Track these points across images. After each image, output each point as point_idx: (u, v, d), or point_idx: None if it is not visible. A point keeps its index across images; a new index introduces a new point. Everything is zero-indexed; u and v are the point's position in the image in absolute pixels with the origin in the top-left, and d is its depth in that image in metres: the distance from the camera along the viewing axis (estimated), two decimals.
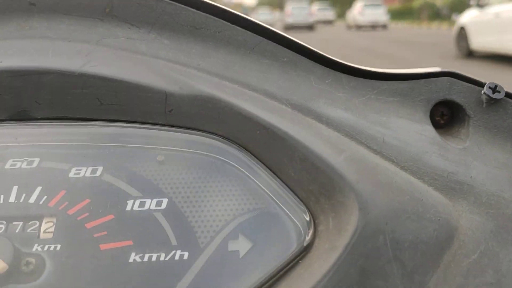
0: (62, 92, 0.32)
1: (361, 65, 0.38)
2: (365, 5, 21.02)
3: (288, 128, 0.33)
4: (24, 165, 0.32)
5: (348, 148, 0.33)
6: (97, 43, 0.34)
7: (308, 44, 0.37)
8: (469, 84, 0.37)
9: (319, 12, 26.69)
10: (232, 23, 0.36)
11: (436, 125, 0.37)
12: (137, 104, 0.33)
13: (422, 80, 0.37)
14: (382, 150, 0.35)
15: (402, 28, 20.85)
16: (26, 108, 0.33)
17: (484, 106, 0.37)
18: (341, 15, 40.24)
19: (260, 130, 0.33)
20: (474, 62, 6.88)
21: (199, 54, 0.35)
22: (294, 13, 20.29)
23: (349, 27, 22.19)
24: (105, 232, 0.30)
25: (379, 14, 20.46)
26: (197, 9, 0.35)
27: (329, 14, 27.94)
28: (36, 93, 0.33)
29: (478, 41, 7.06)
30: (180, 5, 0.35)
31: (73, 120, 0.34)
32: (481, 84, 0.37)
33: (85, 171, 0.32)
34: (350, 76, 0.36)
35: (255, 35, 0.36)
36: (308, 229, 0.32)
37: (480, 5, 7.25)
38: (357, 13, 20.88)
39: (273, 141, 0.33)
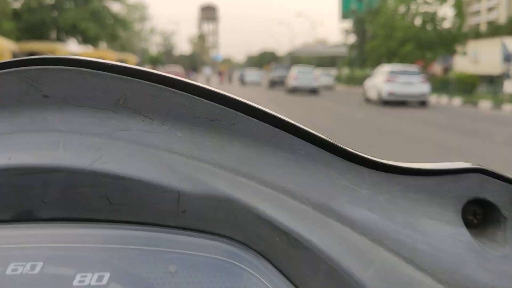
0: (70, 191, 0.33)
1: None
2: (392, 72, 15.86)
3: (310, 234, 0.32)
4: (26, 270, 0.31)
5: (377, 258, 0.32)
6: (109, 136, 0.35)
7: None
8: (502, 182, 0.36)
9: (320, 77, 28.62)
10: (248, 114, 0.36)
11: (469, 226, 0.36)
12: (148, 204, 0.33)
13: (450, 176, 0.36)
14: (414, 259, 0.33)
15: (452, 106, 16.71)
16: (32, 208, 0.33)
17: None
18: (339, 79, 39.44)
19: (279, 237, 0.32)
20: None
21: (214, 147, 0.35)
22: (299, 77, 21.93)
23: (367, 100, 17.26)
24: None
25: (416, 86, 15.33)
26: (211, 100, 0.36)
27: (329, 79, 31.05)
28: (43, 192, 0.33)
29: None
30: (194, 96, 0.36)
31: (80, 221, 0.34)
32: None
33: (91, 278, 0.32)
34: (372, 170, 0.36)
35: (271, 126, 0.36)
36: None
37: None
38: (383, 81, 15.66)
39: (294, 250, 0.32)
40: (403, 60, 23.73)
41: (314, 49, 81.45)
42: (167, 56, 69.61)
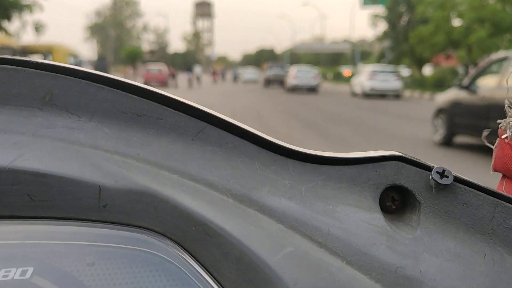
0: None
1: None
2: (374, 71, 20.13)
3: (225, 223, 0.35)
4: None
5: (290, 243, 0.35)
6: (34, 134, 0.36)
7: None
8: (417, 168, 0.39)
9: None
10: (175, 109, 0.38)
11: (388, 211, 0.39)
12: (70, 199, 0.35)
13: (370, 165, 0.39)
14: (327, 243, 0.36)
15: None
16: None
17: (433, 191, 0.39)
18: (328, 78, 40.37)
19: (196, 226, 0.35)
20: None
21: (140, 142, 0.37)
22: (299, 75, 23.71)
23: (354, 94, 21.61)
24: None
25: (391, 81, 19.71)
26: (138, 96, 0.38)
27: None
28: None
29: None
30: (121, 92, 0.38)
31: (2, 218, 0.35)
32: (429, 168, 0.39)
33: (14, 273, 0.34)
34: (297, 161, 0.39)
35: (198, 120, 0.38)
36: None
37: None
38: (366, 79, 19.88)
39: (209, 238, 0.35)
40: (472, 51, 19.26)
41: (313, 46, 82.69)
42: (160, 54, 67.72)
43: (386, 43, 31.90)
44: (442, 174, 0.38)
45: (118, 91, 0.38)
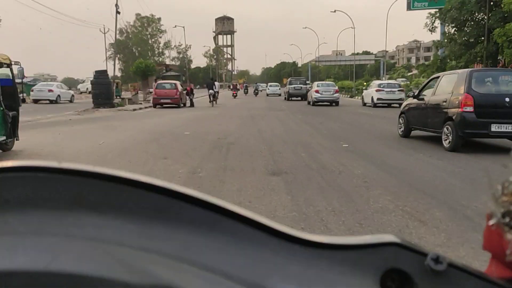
0: None
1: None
2: (380, 85, 25.53)
3: None
4: None
5: None
6: (65, 234, 0.40)
7: None
8: (414, 253, 0.43)
9: None
10: (192, 204, 0.43)
11: None
12: None
13: (370, 249, 0.44)
14: None
15: None
16: None
17: (430, 275, 0.43)
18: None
19: None
20: None
21: (161, 237, 0.41)
22: (321, 90, 27.53)
23: (364, 104, 27.43)
24: None
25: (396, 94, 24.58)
26: (159, 193, 0.42)
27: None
28: None
29: None
30: (143, 191, 0.42)
31: None
32: (424, 254, 0.43)
33: None
34: (303, 247, 0.43)
35: (213, 213, 0.43)
36: None
37: None
38: (374, 91, 25.13)
39: None
40: None
41: (333, 58, 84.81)
42: (181, 69, 68.12)
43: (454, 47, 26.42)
44: (436, 260, 0.42)
45: (141, 190, 0.42)
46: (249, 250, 0.42)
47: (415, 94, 10.56)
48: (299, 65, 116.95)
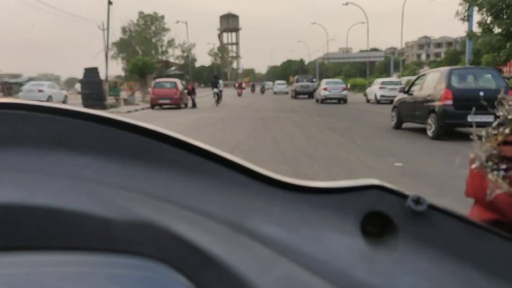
0: (5, 223, 0.39)
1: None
2: (383, 82, 26.69)
3: (219, 249, 0.40)
4: None
5: (278, 267, 0.40)
6: (44, 172, 0.41)
7: None
8: (395, 196, 0.44)
9: None
10: (174, 146, 0.44)
11: (369, 235, 0.44)
12: (80, 231, 0.39)
13: (352, 193, 0.45)
14: (312, 267, 0.41)
15: None
16: None
17: (410, 217, 0.44)
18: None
19: (193, 253, 0.40)
20: None
21: (143, 177, 0.43)
22: (329, 87, 27.78)
23: (368, 101, 28.76)
24: None
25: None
26: (142, 135, 0.43)
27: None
28: None
29: None
30: (126, 132, 0.43)
31: (16, 249, 0.39)
32: (405, 196, 0.44)
33: None
34: (285, 191, 0.44)
35: (196, 156, 0.44)
36: None
37: None
38: (377, 88, 26.31)
39: (204, 263, 0.40)
40: None
41: (341, 55, 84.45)
42: (186, 68, 63.93)
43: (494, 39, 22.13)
44: (417, 201, 0.43)
45: (123, 131, 0.43)
46: (231, 192, 0.44)
47: (406, 90, 11.87)
48: (306, 62, 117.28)
